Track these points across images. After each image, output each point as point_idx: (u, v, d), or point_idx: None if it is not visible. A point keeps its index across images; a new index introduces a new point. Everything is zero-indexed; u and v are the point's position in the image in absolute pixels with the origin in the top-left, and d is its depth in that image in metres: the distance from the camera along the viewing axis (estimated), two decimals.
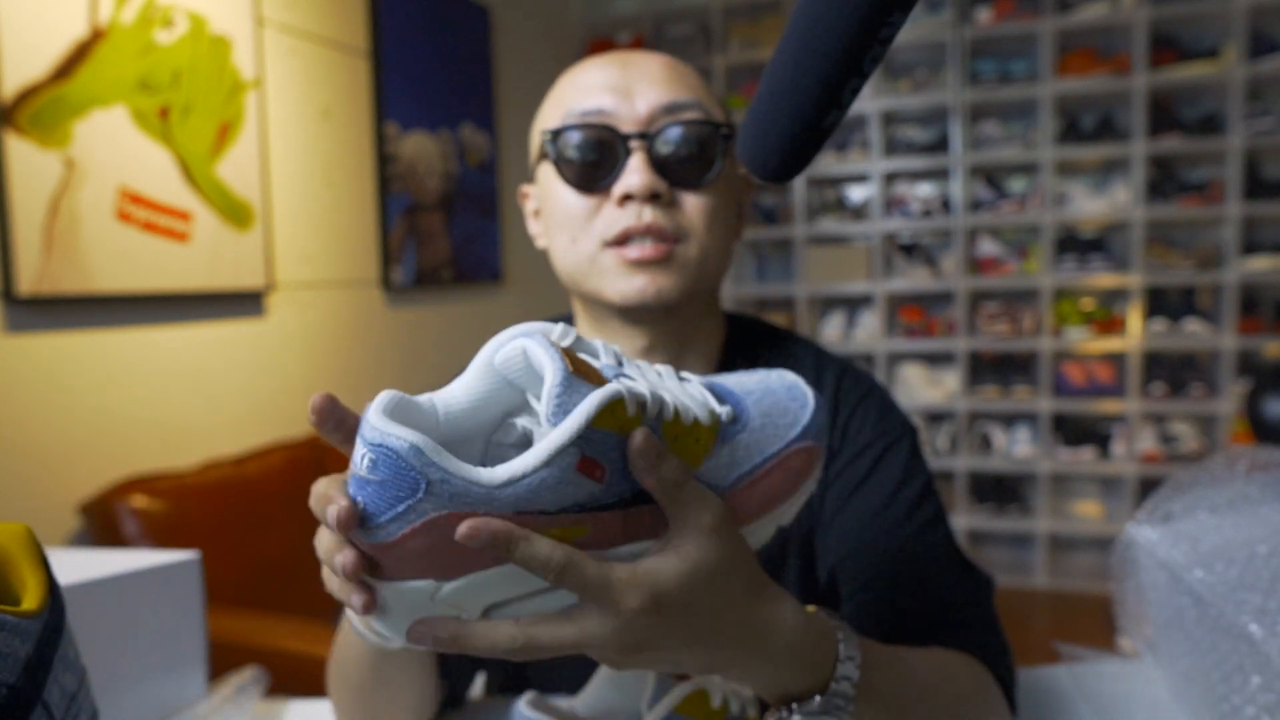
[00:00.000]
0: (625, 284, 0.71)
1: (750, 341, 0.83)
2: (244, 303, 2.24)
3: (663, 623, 0.43)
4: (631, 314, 0.73)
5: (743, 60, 3.72)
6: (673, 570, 0.43)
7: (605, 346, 0.46)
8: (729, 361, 0.81)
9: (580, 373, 0.41)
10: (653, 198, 0.70)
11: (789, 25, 0.40)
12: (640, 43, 3.86)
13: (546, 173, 0.75)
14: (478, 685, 0.93)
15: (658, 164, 0.71)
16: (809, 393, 0.52)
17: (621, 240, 0.71)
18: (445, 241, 3.02)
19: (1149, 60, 3.23)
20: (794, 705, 0.49)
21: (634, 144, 0.71)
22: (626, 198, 0.71)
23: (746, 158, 0.43)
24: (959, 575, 0.72)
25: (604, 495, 0.41)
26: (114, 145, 1.86)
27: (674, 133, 0.71)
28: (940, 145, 3.55)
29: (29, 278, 1.71)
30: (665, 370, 0.48)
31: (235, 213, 2.16)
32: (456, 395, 0.44)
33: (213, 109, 2.10)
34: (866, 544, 0.73)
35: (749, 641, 0.46)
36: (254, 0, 2.21)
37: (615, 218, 0.71)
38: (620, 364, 0.46)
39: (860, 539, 0.73)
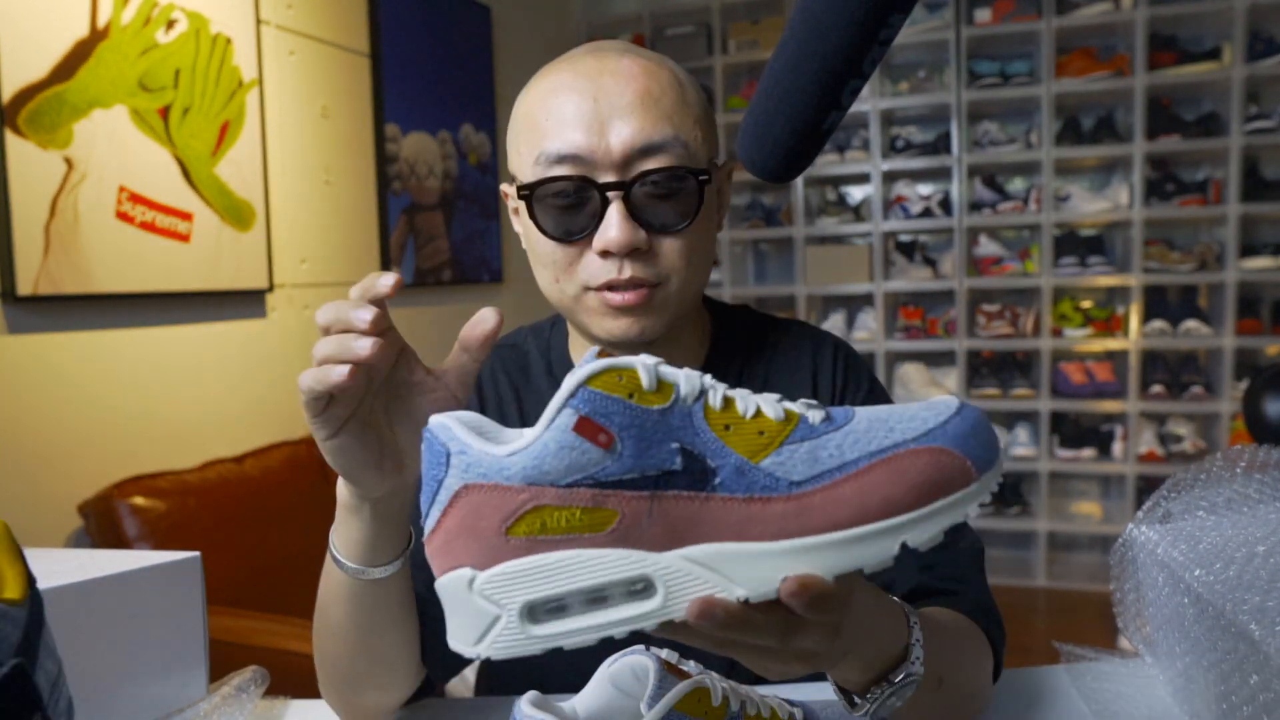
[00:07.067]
0: (611, 324, 0.73)
1: (738, 337, 0.85)
2: (244, 302, 2.24)
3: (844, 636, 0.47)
4: (617, 345, 0.76)
5: (743, 60, 3.72)
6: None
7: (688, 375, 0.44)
8: (714, 360, 0.83)
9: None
10: (632, 251, 0.70)
11: (789, 26, 0.40)
12: (640, 43, 3.86)
13: (524, 209, 0.73)
14: (472, 684, 0.93)
15: (636, 212, 0.70)
16: (956, 404, 0.44)
17: (604, 288, 0.72)
18: (445, 241, 3.02)
19: (1149, 60, 3.23)
20: (888, 680, 0.54)
21: (611, 194, 0.69)
22: (607, 252, 0.70)
23: (746, 158, 0.43)
24: (945, 543, 0.76)
25: (619, 468, 0.41)
26: (114, 145, 1.86)
27: (651, 182, 0.70)
28: (940, 145, 3.55)
29: (29, 278, 1.71)
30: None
31: (235, 213, 2.16)
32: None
33: (213, 109, 2.10)
34: None
35: (866, 626, 0.51)
36: (254, 0, 2.21)
37: (597, 269, 0.71)
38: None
39: None
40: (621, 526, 0.41)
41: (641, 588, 0.41)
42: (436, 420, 0.43)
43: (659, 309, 0.73)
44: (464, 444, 0.42)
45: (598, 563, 0.41)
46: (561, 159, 0.69)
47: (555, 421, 0.41)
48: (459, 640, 0.42)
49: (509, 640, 0.41)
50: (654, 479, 0.41)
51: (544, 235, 0.72)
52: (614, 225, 0.69)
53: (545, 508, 0.41)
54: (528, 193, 0.71)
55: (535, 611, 0.41)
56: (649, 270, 0.71)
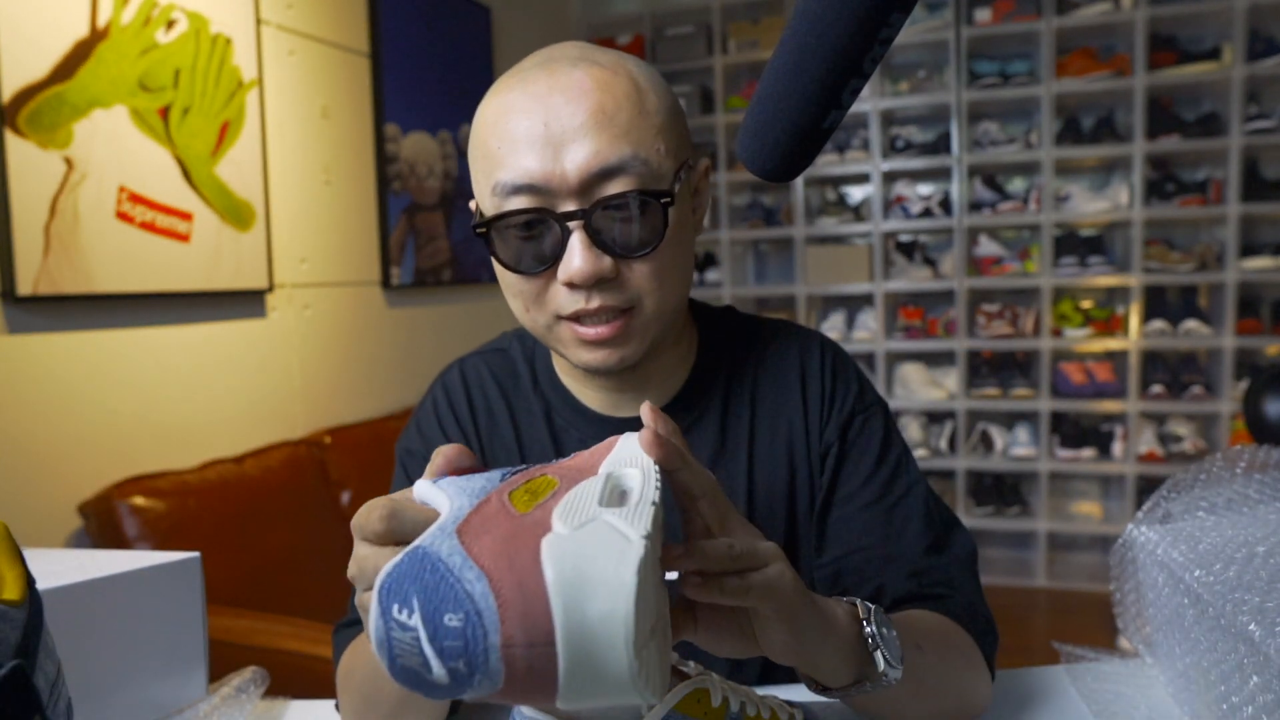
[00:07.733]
0: (587, 354, 0.71)
1: (724, 341, 0.84)
2: (244, 303, 2.24)
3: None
4: (597, 373, 0.74)
5: (743, 60, 3.72)
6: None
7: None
8: (702, 366, 0.82)
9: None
10: (599, 280, 0.67)
11: (789, 26, 0.40)
12: (640, 42, 3.86)
13: (487, 235, 0.70)
14: None
15: (599, 239, 0.66)
16: None
17: (575, 317, 0.69)
18: (445, 241, 3.02)
19: (1149, 60, 3.23)
20: (866, 622, 0.58)
21: (572, 224, 0.66)
22: (572, 284, 0.67)
23: (747, 158, 0.43)
24: (937, 548, 0.76)
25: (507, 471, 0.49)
26: (114, 145, 1.86)
27: (612, 209, 0.66)
28: (940, 145, 3.55)
29: (29, 278, 1.70)
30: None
31: (235, 213, 2.16)
32: None
33: (213, 109, 2.10)
34: (847, 520, 0.78)
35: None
36: (254, 0, 2.21)
37: (565, 299, 0.69)
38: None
39: (841, 514, 0.78)
40: (560, 480, 0.47)
41: (623, 491, 0.46)
42: (389, 567, 0.39)
43: (637, 334, 0.71)
44: (428, 538, 0.40)
45: (587, 487, 0.45)
46: (517, 190, 0.66)
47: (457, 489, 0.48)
48: (614, 559, 0.37)
49: (634, 513, 0.41)
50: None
51: (507, 269, 0.69)
52: (577, 256, 0.65)
53: (516, 490, 0.45)
54: (485, 229, 0.68)
55: (609, 498, 0.45)
56: (619, 296, 0.68)
